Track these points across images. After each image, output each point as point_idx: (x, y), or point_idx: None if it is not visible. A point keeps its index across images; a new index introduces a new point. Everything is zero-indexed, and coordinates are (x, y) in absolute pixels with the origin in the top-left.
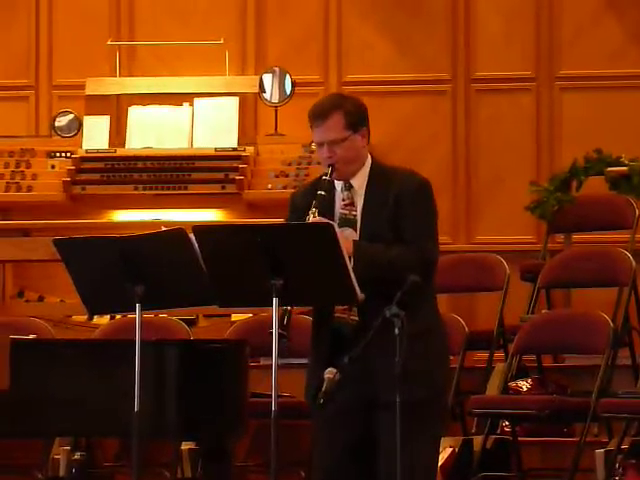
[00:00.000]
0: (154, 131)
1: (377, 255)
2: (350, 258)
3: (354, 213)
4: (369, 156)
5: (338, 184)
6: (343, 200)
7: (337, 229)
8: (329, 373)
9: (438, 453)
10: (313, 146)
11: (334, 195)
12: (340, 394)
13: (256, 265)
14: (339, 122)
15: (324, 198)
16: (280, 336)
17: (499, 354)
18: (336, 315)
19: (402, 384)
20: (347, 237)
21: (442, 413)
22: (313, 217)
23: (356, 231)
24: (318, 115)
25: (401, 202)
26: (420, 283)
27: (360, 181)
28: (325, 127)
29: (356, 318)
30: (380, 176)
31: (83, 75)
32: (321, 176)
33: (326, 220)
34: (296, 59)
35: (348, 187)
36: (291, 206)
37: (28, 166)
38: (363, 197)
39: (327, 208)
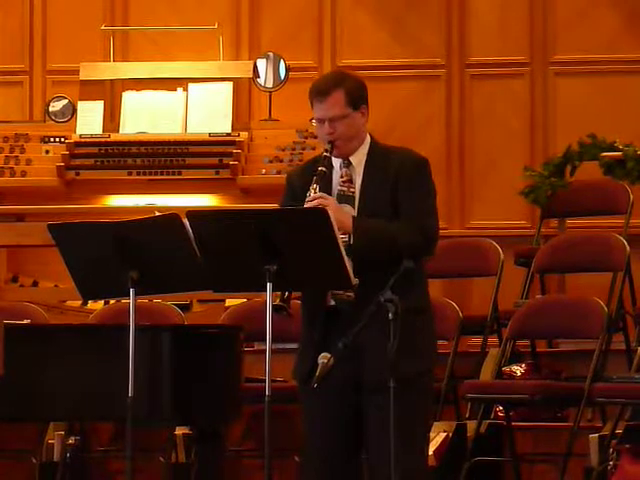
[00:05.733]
0: (148, 116)
1: (378, 230)
2: (350, 235)
3: (352, 190)
4: (368, 135)
5: (336, 161)
6: (341, 177)
7: (332, 212)
8: (323, 358)
9: (428, 429)
10: (313, 123)
11: (332, 172)
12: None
13: (250, 250)
14: (340, 99)
15: (324, 174)
16: (280, 308)
17: (493, 339)
18: (332, 292)
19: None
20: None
21: (429, 391)
22: (314, 193)
23: (354, 208)
24: (320, 92)
25: (400, 179)
26: (413, 269)
27: (359, 158)
28: (326, 104)
29: (352, 295)
30: (379, 154)
31: (77, 60)
32: (318, 155)
33: (320, 204)
34: (290, 44)
35: (347, 164)
36: (287, 186)
37: (22, 151)
38: (362, 174)
39: (325, 185)
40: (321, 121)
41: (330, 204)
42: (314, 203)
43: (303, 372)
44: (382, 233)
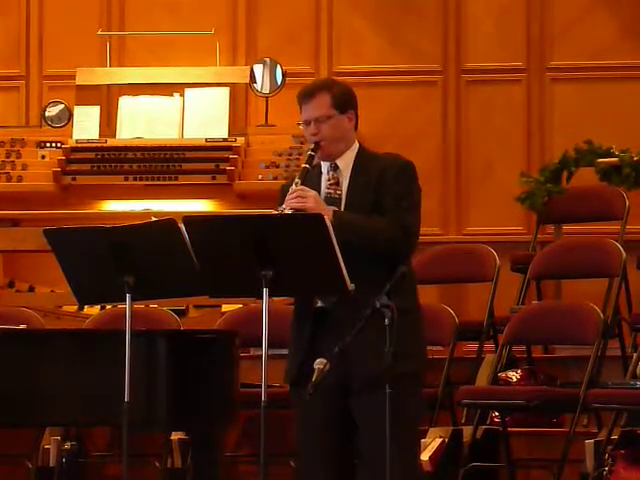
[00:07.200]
0: (144, 121)
1: (358, 224)
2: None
3: (339, 192)
4: (356, 141)
5: (324, 165)
6: (328, 180)
7: (313, 205)
8: (319, 364)
9: (419, 430)
10: (300, 127)
11: (320, 176)
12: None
13: (247, 256)
14: (326, 101)
15: (308, 171)
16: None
17: (489, 345)
18: None
19: (379, 362)
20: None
21: (419, 393)
22: (295, 186)
23: (340, 210)
24: (306, 94)
25: (383, 179)
26: (408, 273)
27: (346, 162)
28: (312, 105)
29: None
30: (366, 159)
31: (73, 65)
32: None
33: (299, 196)
34: (287, 49)
35: (334, 167)
36: (280, 197)
37: (18, 156)
38: (348, 178)
39: (313, 188)
40: (307, 123)
41: (310, 197)
42: (293, 196)
43: (292, 374)
44: (362, 227)
